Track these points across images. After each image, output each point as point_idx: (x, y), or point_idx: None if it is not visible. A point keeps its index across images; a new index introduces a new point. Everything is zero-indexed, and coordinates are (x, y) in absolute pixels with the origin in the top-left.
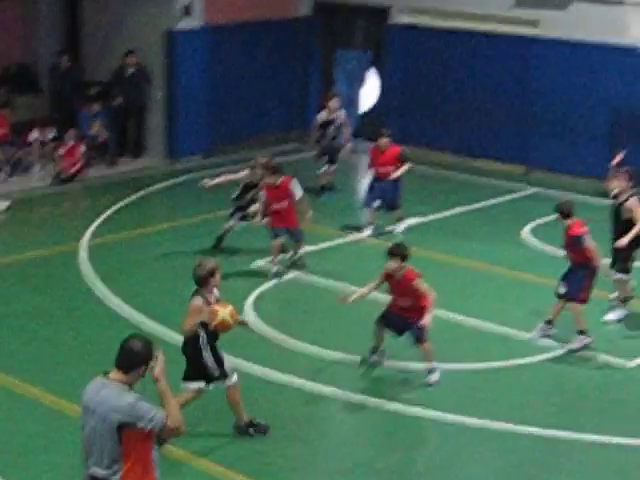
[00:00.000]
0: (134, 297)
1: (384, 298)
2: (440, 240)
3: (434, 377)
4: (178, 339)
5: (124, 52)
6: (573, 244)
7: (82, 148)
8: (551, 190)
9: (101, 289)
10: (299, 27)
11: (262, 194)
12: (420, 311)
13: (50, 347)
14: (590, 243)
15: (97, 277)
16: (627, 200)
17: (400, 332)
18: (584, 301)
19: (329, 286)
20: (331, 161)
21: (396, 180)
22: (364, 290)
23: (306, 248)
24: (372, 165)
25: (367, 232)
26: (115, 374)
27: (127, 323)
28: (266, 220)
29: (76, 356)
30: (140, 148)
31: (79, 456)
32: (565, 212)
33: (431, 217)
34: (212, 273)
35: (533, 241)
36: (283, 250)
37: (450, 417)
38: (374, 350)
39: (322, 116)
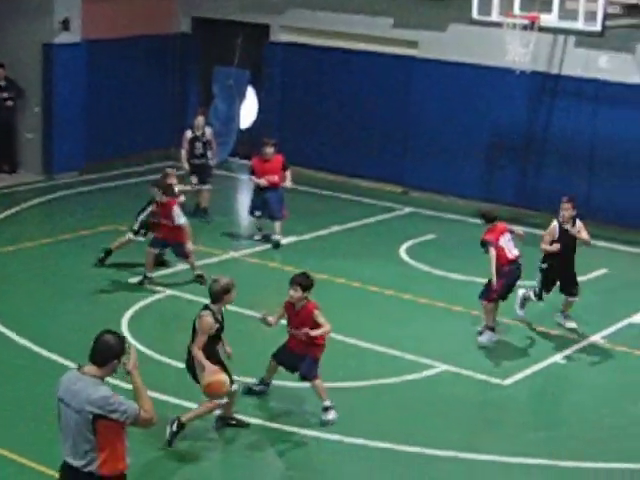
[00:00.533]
0: (9, 316)
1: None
2: (316, 259)
3: (330, 416)
4: (53, 356)
5: None
6: (482, 247)
7: None
8: (428, 210)
9: None
10: (177, 43)
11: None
12: (313, 345)
13: None
14: (493, 252)
15: None
16: (574, 224)
17: (293, 370)
18: (493, 300)
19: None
20: (202, 181)
21: (278, 189)
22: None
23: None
24: (256, 175)
25: (257, 238)
26: (89, 368)
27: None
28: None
29: None
30: (15, 163)
31: None
32: (486, 218)
33: (307, 236)
34: (227, 290)
35: (409, 260)
36: (162, 262)
37: (329, 436)
38: (262, 381)
39: (188, 134)
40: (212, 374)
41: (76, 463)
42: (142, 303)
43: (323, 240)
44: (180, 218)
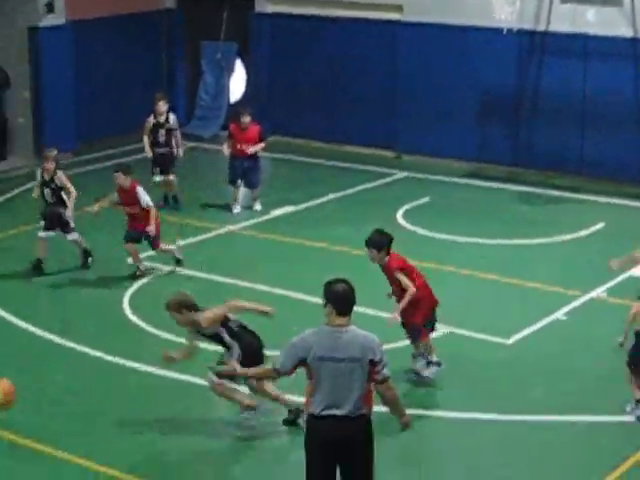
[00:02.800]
0: (9, 299)
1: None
2: (313, 228)
3: (430, 371)
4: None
5: None
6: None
7: None
8: (422, 174)
9: None
10: (163, 19)
11: (115, 196)
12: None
13: None
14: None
15: None
16: None
17: None
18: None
19: (206, 278)
20: (165, 172)
21: (257, 158)
22: None
23: (180, 243)
24: (233, 143)
25: (236, 210)
26: (341, 319)
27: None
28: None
29: None
30: (5, 148)
31: None
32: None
33: (303, 205)
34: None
35: (406, 224)
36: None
37: None
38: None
39: (150, 120)
40: None
41: (346, 411)
42: (147, 279)
43: (320, 209)
44: (146, 197)
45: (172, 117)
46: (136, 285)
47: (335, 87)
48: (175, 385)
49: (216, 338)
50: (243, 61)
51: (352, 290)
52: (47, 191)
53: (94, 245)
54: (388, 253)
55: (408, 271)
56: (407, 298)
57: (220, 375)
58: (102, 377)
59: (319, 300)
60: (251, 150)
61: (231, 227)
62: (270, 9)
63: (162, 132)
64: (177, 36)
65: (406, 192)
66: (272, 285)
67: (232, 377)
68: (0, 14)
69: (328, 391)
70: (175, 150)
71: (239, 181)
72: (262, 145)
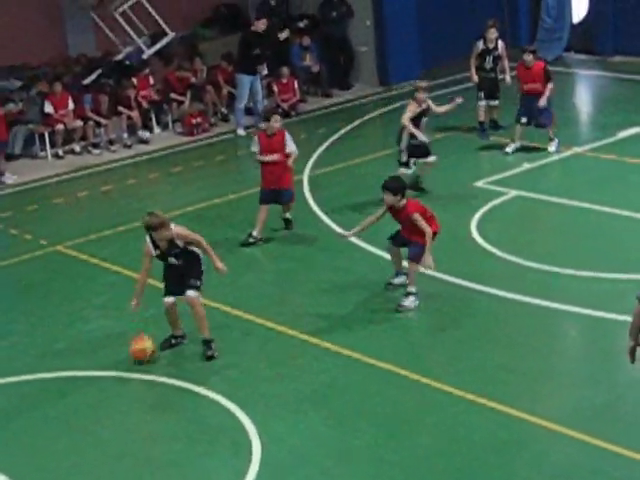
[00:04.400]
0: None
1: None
2: None
3: (407, 302)
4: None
5: None
6: None
7: (296, 82)
8: None
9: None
10: None
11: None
12: (420, 235)
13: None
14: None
15: (320, 209)
16: None
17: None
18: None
19: (554, 202)
20: (490, 97)
21: (544, 98)
22: (365, 221)
23: (526, 166)
24: (520, 82)
25: (508, 149)
26: None
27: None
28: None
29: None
30: (351, 78)
31: None
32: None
33: None
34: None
35: None
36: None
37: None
38: (397, 273)
39: (479, 45)
40: None
41: None
42: (492, 204)
43: None
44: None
45: (500, 44)
46: (481, 212)
47: None
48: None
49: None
50: None
51: None
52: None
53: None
54: (404, 197)
55: (423, 214)
56: (428, 241)
57: None
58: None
59: None
60: (543, 101)
61: (577, 149)
62: None
63: (490, 59)
64: None
65: None
66: (617, 206)
67: None
68: None
69: None
70: (501, 77)
71: (523, 119)
72: (550, 87)
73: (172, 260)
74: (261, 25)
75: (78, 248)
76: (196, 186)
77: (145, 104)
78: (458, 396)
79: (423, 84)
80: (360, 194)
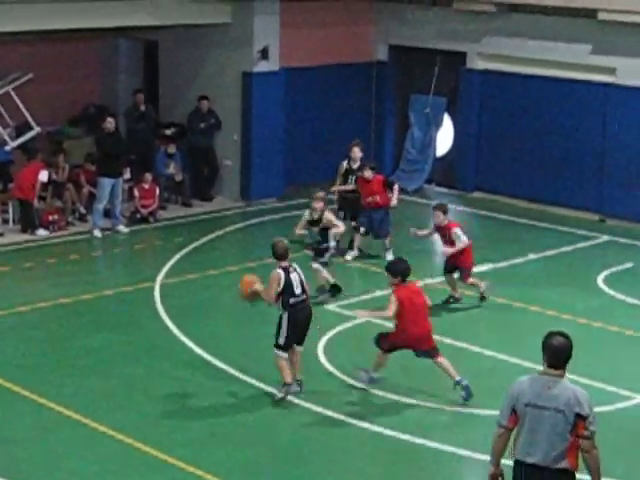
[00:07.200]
0: (209, 339)
1: None
2: (511, 287)
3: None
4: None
5: (199, 95)
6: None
7: (157, 189)
8: (626, 239)
9: (174, 329)
10: (373, 71)
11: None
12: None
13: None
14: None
15: (169, 316)
16: None
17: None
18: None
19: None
20: (352, 218)
21: (386, 209)
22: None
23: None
24: (362, 195)
25: (349, 256)
26: (552, 371)
27: (202, 362)
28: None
29: (151, 394)
30: (214, 190)
31: None
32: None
33: (503, 264)
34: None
35: (607, 289)
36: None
37: None
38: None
39: (343, 165)
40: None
41: (546, 462)
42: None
43: (519, 268)
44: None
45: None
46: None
47: (543, 146)
48: None
49: None
50: (451, 116)
51: (569, 345)
52: (313, 229)
53: None
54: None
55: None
56: (377, 313)
57: None
58: None
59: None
60: (394, 203)
61: (429, 281)
62: (481, 66)
63: (353, 178)
64: (387, 88)
65: (609, 256)
66: (465, 341)
67: None
68: (217, 60)
69: (526, 437)
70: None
71: (361, 229)
72: (396, 192)
73: None
74: (108, 125)
75: None
76: (47, 283)
77: None
78: None
79: (320, 194)
80: (211, 305)
